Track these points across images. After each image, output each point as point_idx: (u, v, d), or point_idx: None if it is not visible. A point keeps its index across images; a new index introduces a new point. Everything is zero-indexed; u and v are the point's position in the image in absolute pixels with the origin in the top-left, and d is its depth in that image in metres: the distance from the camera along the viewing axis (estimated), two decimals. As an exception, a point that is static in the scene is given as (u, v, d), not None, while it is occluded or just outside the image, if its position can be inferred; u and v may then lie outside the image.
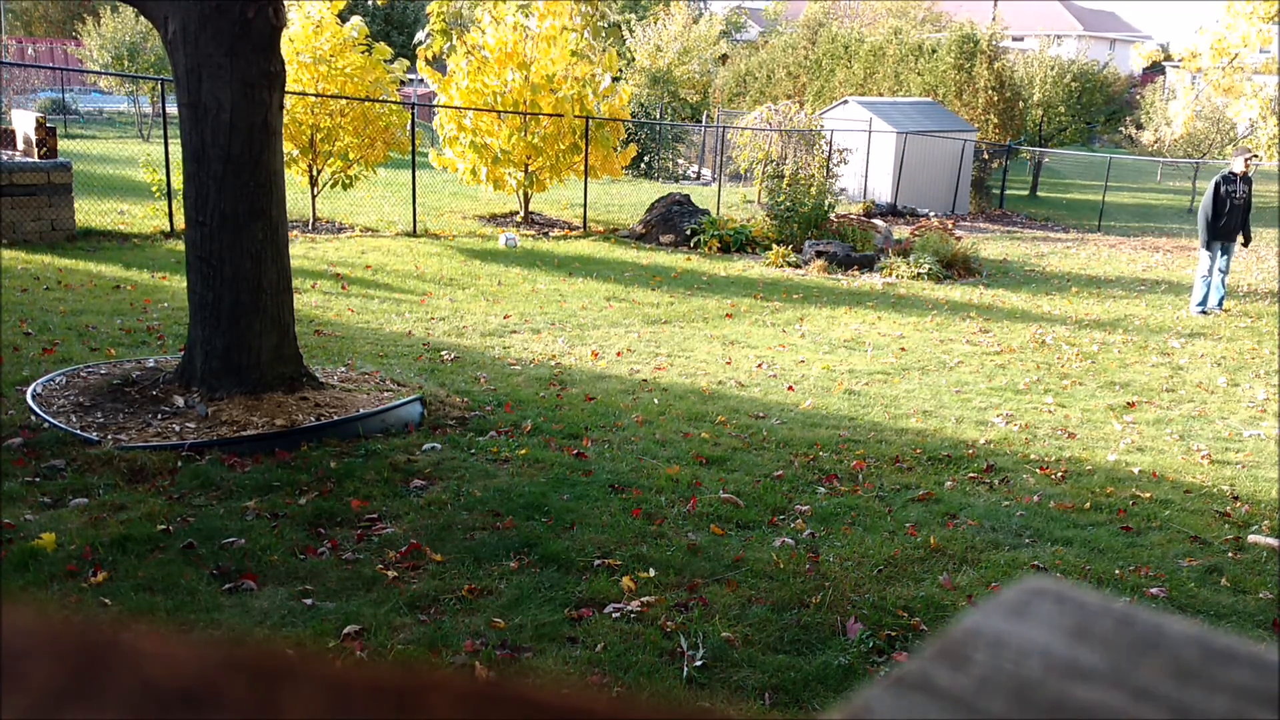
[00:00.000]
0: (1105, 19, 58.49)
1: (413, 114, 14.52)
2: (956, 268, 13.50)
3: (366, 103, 13.19)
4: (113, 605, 3.41)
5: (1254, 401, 7.64)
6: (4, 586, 3.48)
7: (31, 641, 0.13)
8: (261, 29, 5.20)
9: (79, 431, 4.94)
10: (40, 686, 0.13)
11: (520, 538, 4.12)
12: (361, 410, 5.48)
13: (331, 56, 13.04)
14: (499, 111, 14.65)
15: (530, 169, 15.17)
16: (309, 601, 3.51)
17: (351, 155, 13.37)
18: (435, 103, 15.58)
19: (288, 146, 12.63)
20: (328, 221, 13.98)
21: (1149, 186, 32.26)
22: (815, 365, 8.02)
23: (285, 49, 12.56)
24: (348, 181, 13.62)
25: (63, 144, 12.68)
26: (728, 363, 7.91)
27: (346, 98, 13.04)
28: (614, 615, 3.54)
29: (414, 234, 13.67)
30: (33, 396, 5.37)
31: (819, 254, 13.38)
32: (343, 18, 13.45)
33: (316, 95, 12.90)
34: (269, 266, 5.44)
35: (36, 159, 10.77)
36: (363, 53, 13.35)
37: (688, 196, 16.14)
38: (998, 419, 6.66)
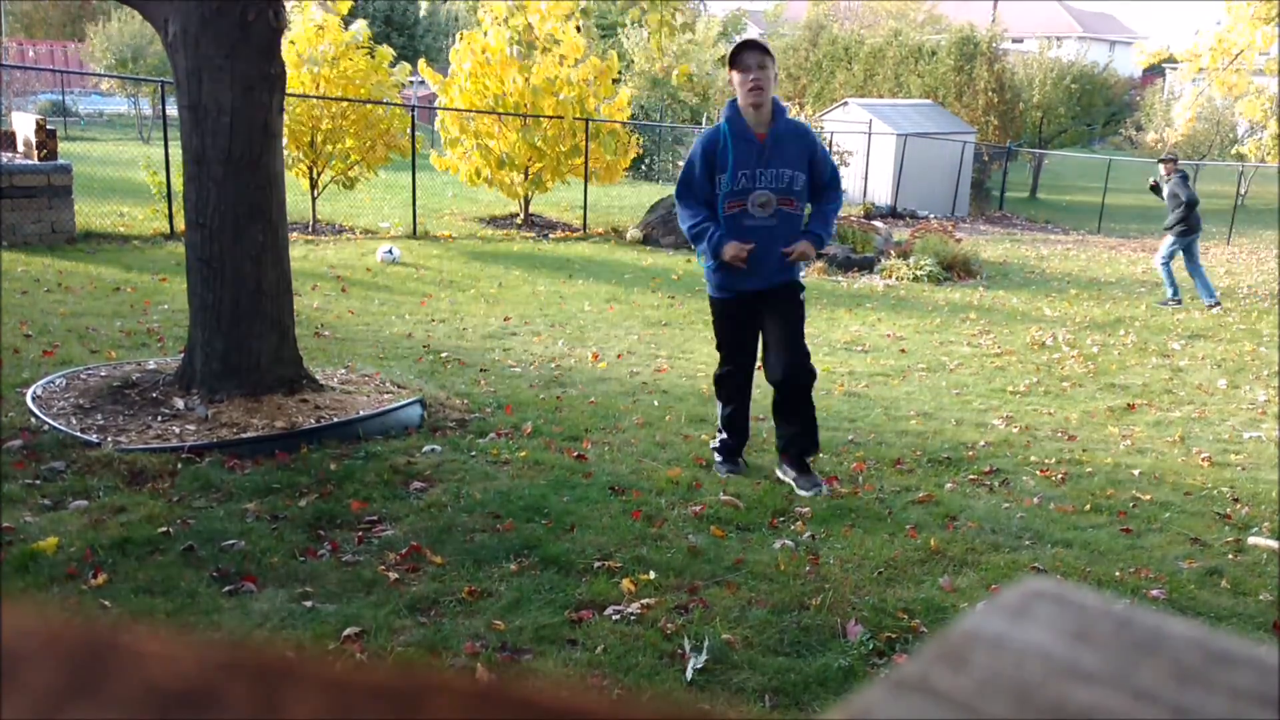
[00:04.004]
0: (1104, 21, 58.53)
1: (413, 116, 14.53)
2: (956, 270, 13.51)
3: (367, 105, 13.20)
4: (113, 607, 3.41)
5: (1254, 403, 7.65)
6: (5, 589, 3.48)
7: (32, 643, 0.13)
8: (262, 31, 5.21)
9: (79, 434, 4.94)
10: (41, 688, 0.13)
11: (520, 540, 4.12)
12: (361, 412, 5.48)
13: (334, 59, 13.06)
14: (500, 114, 14.67)
15: (531, 171, 15.18)
16: (309, 604, 3.51)
17: (353, 157, 13.39)
18: (437, 104, 15.59)
19: (289, 148, 12.65)
20: (328, 224, 13.99)
21: (1149, 189, 32.27)
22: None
23: (288, 51, 12.59)
24: (349, 182, 13.65)
25: (63, 146, 12.69)
26: (728, 365, 7.91)
27: (348, 100, 13.05)
28: (614, 617, 3.54)
29: (414, 236, 13.68)
30: (33, 399, 5.37)
31: (819, 256, 13.39)
32: (346, 21, 13.48)
33: (318, 97, 12.91)
34: (269, 269, 5.45)
35: (36, 161, 10.78)
36: (367, 55, 13.38)
37: (688, 198, 16.15)
38: (998, 421, 6.66)
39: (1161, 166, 12.49)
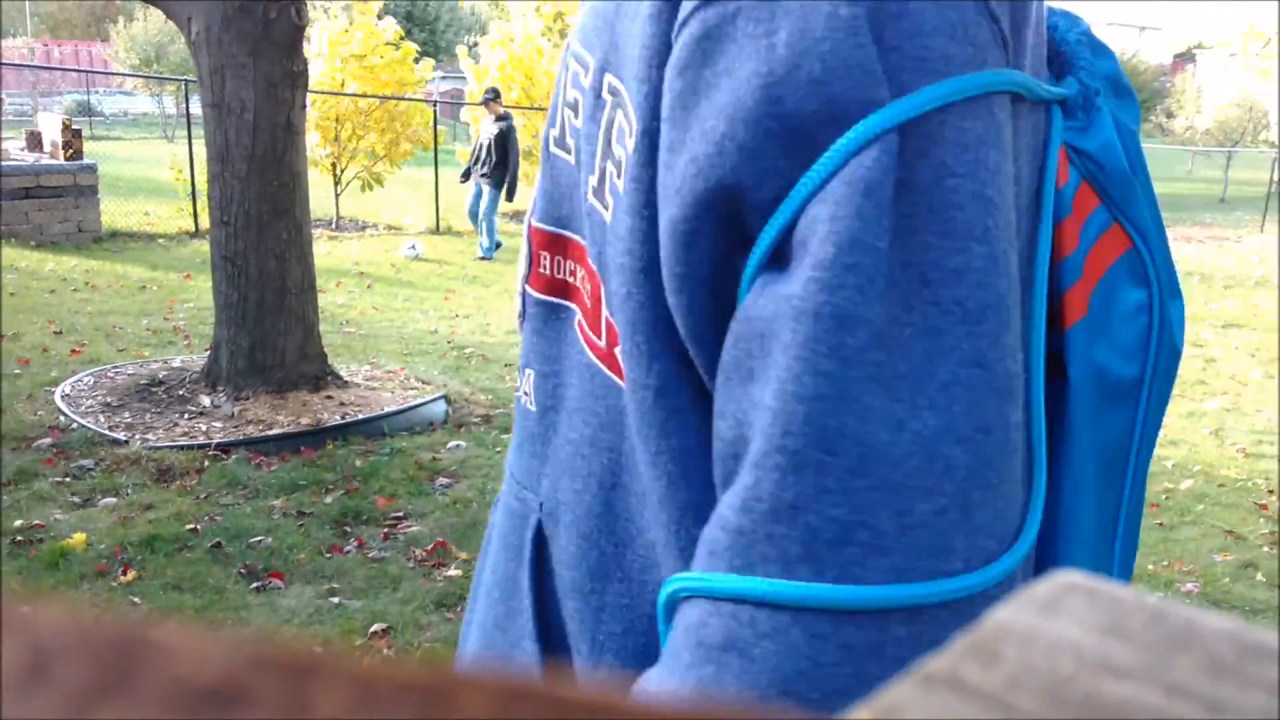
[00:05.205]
0: (1132, 10, 57.97)
1: (435, 111, 14.59)
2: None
3: (392, 100, 13.28)
4: (142, 604, 3.45)
5: (1285, 393, 7.56)
6: (37, 585, 3.52)
7: (63, 639, 0.14)
8: (284, 29, 5.23)
9: (107, 431, 4.99)
10: (72, 684, 0.13)
11: (545, 534, 4.13)
12: (386, 408, 5.51)
13: (363, 55, 13.16)
14: (524, 108, 14.72)
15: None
16: (336, 600, 3.53)
17: (378, 152, 13.46)
18: (466, 97, 15.71)
19: (319, 144, 12.74)
20: (351, 220, 14.06)
21: (1180, 176, 31.96)
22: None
23: (320, 47, 12.70)
24: (371, 182, 13.70)
25: (88, 146, 12.81)
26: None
27: (372, 96, 13.13)
28: (639, 611, 3.55)
29: (437, 231, 13.73)
30: (61, 397, 5.43)
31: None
32: (379, 17, 13.61)
33: (346, 95, 12.98)
34: (293, 266, 5.48)
35: (63, 161, 10.89)
36: (393, 50, 13.49)
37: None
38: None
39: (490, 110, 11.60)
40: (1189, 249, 16.79)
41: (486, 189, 11.86)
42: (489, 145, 11.65)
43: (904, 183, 0.49)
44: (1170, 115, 31.85)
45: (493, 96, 11.90)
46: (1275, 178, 23.92)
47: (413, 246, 11.85)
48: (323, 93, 12.75)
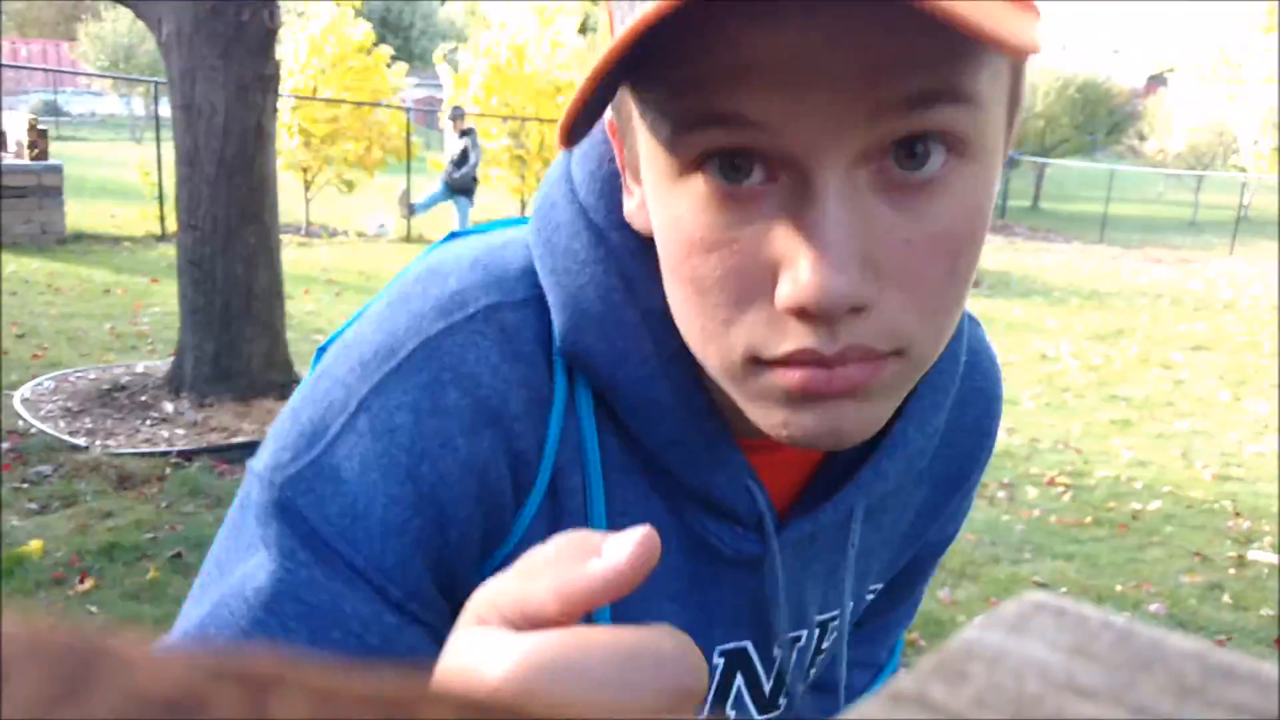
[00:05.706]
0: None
1: (408, 119, 14.57)
2: (951, 279, 13.53)
3: (368, 106, 13.27)
4: (99, 613, 3.39)
5: (1256, 416, 7.64)
6: (-7, 590, 3.46)
7: (17, 649, 0.13)
8: (256, 32, 5.21)
9: (67, 437, 4.92)
10: (26, 695, 0.13)
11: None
12: (354, 416, 5.47)
13: (336, 62, 13.19)
14: (503, 117, 14.74)
15: (526, 175, 15.26)
16: (299, 608, 3.50)
17: (350, 159, 13.44)
18: (443, 105, 15.74)
19: (298, 148, 12.79)
20: (321, 226, 13.98)
21: (1152, 199, 32.36)
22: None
23: (293, 52, 12.71)
24: (347, 186, 13.71)
25: (54, 146, 12.67)
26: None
27: (346, 101, 13.11)
28: (605, 624, 3.53)
29: (409, 239, 13.67)
30: (20, 401, 5.36)
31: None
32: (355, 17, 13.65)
33: (321, 99, 12.93)
34: (260, 271, 5.44)
35: (28, 161, 10.76)
36: (366, 56, 13.49)
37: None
38: (999, 432, 6.65)
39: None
40: (1159, 271, 17.02)
41: (459, 200, 12.67)
42: (455, 158, 12.54)
43: None
44: (1142, 138, 32.23)
45: (458, 115, 12.69)
46: (1244, 202, 24.30)
47: (381, 225, 11.97)
48: (303, 98, 12.72)
